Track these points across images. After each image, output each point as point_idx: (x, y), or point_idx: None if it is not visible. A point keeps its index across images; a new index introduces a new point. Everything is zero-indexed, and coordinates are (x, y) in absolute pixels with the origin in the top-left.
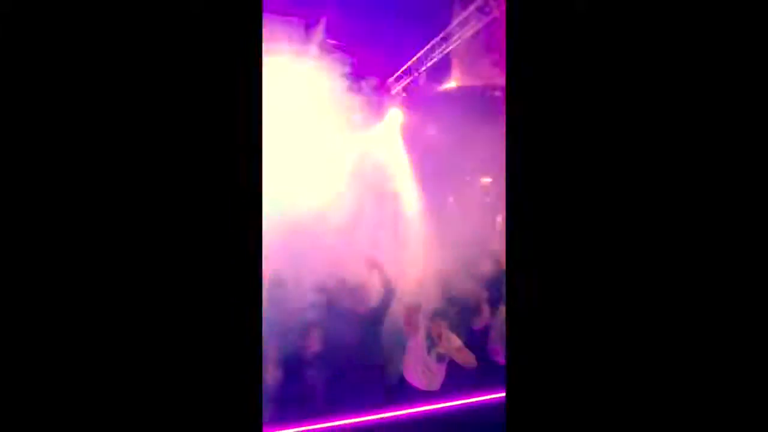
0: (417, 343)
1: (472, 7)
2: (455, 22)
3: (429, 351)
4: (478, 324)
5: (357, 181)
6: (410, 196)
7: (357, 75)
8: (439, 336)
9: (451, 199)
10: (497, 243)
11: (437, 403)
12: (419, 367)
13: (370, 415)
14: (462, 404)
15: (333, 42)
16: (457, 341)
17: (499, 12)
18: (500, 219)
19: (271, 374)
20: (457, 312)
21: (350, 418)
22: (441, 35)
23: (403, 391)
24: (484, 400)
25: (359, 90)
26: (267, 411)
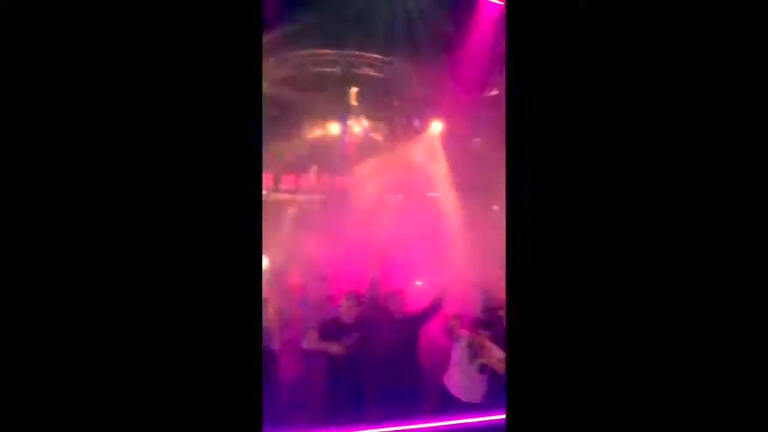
0: (458, 353)
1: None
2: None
3: (471, 361)
4: None
5: (400, 189)
6: (452, 205)
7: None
8: (481, 346)
9: (496, 208)
10: None
11: (479, 416)
12: (461, 378)
13: (410, 425)
14: (505, 417)
15: None
16: (499, 352)
17: None
18: None
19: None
20: (500, 322)
21: (390, 426)
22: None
23: (444, 402)
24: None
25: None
26: (301, 413)
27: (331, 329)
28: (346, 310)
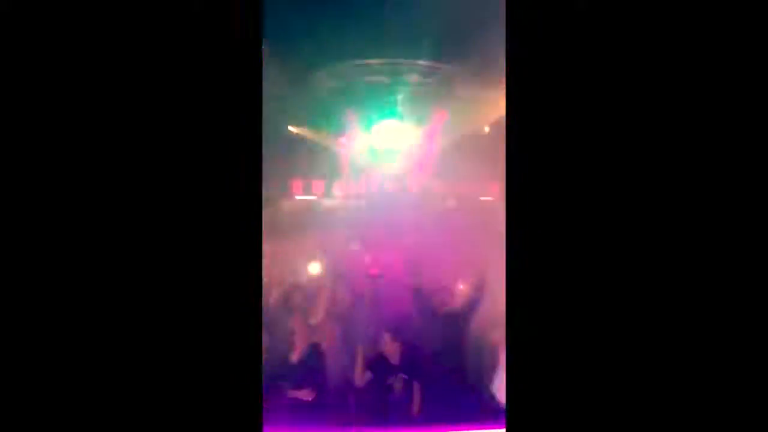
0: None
1: None
2: None
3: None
4: None
5: (446, 190)
6: (500, 207)
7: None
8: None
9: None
10: None
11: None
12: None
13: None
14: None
15: None
16: None
17: None
18: None
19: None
20: None
21: None
22: None
23: (496, 410)
24: None
25: None
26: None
27: (377, 365)
28: (388, 346)
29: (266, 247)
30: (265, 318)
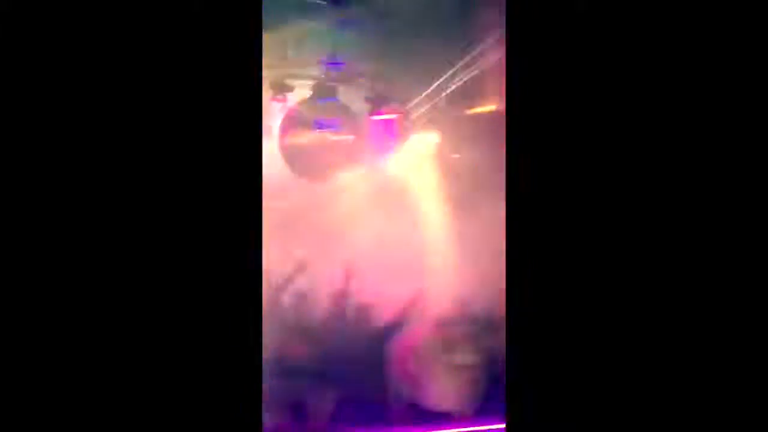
0: (428, 359)
1: (497, 34)
2: (478, 48)
3: (443, 363)
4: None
5: (380, 204)
6: (435, 220)
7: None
8: (451, 346)
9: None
10: None
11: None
12: (434, 385)
13: None
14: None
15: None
16: (470, 351)
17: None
18: None
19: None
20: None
21: None
22: (464, 61)
23: (417, 416)
24: None
25: (381, 115)
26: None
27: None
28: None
29: None
30: None
